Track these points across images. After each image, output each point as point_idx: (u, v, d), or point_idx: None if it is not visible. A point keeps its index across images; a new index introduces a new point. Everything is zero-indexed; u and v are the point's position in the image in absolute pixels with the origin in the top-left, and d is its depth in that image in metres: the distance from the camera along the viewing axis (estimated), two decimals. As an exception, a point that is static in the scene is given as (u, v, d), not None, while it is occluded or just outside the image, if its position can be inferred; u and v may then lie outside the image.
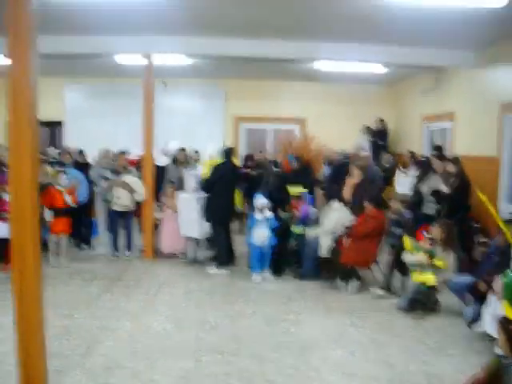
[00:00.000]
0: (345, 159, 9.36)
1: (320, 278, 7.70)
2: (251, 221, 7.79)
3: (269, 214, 7.67)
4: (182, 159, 9.43)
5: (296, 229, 7.93)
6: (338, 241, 7.42)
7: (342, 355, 5.11)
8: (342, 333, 5.71)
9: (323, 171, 9.85)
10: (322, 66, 10.08)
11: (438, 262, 6.20)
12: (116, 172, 8.76)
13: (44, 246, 8.13)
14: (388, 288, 7.02)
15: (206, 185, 8.03)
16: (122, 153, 9.05)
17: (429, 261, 6.23)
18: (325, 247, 7.47)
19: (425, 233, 6.48)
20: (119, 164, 8.87)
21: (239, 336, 5.54)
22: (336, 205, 7.66)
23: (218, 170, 8.06)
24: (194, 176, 8.43)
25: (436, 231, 6.41)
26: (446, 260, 6.29)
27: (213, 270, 8.09)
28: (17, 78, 3.79)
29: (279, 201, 8.17)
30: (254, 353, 5.11)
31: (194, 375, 4.59)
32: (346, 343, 5.42)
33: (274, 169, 9.61)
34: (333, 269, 7.66)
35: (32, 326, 4.02)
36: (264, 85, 13.13)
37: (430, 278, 6.22)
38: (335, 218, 7.55)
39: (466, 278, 6.05)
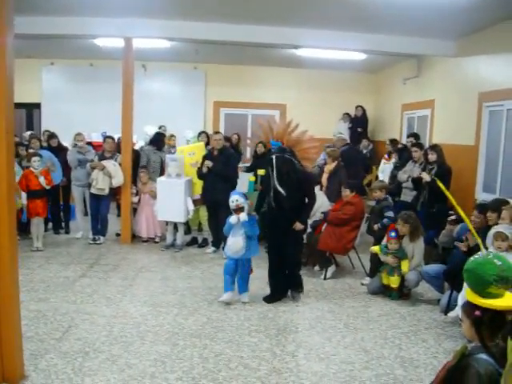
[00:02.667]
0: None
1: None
2: (227, 226, 6.16)
3: (244, 216, 5.99)
4: (160, 144, 9.34)
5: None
6: (315, 227, 7.46)
7: (318, 340, 5.15)
8: (318, 318, 5.75)
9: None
10: (303, 52, 10.05)
11: (403, 266, 6.32)
12: (103, 156, 8.70)
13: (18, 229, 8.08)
14: (373, 276, 7.04)
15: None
16: (109, 137, 8.98)
17: (396, 262, 6.35)
18: (303, 233, 7.51)
19: (392, 233, 6.51)
20: (106, 148, 8.80)
21: (216, 320, 5.56)
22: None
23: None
24: (175, 161, 8.36)
25: (402, 227, 6.46)
26: (416, 250, 6.41)
27: (210, 249, 8.34)
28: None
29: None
30: (230, 337, 5.13)
31: (170, 359, 4.60)
32: (322, 328, 5.46)
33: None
34: (310, 255, 7.71)
35: (6, 310, 4.00)
36: (244, 70, 13.09)
37: (394, 281, 6.39)
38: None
39: (439, 266, 6.13)
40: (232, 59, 12.30)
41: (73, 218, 9.54)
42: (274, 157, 5.91)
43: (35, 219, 8.13)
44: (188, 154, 8.63)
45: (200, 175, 8.16)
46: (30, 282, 6.56)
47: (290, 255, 6.22)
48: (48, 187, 8.18)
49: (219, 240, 8.27)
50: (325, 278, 7.21)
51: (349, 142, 10.17)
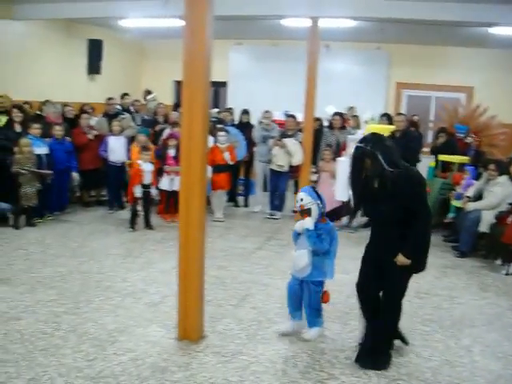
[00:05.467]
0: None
1: (476, 254, 7.37)
2: (293, 233, 4.68)
3: (308, 223, 4.42)
4: (338, 124, 9.38)
5: (456, 202, 7.61)
6: (500, 218, 7.02)
7: (495, 338, 4.87)
8: (497, 315, 5.43)
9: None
10: (497, 30, 9.37)
11: None
12: (285, 135, 8.99)
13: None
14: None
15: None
16: (291, 116, 9.25)
17: None
18: (486, 223, 7.11)
19: None
20: (288, 127, 9.08)
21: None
22: (502, 179, 7.20)
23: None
24: (355, 141, 8.32)
25: None
26: None
27: None
28: (192, 40, 3.98)
29: None
30: (402, 324, 5.02)
31: (340, 338, 4.66)
32: (502, 326, 5.15)
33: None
34: (492, 247, 7.29)
35: (193, 273, 4.32)
36: (430, 50, 12.50)
37: None
38: (500, 192, 7.12)
39: None
40: (417, 38, 11.81)
41: (252, 193, 9.97)
42: (353, 149, 4.22)
43: (218, 191, 8.62)
44: None
45: None
46: (211, 250, 6.95)
47: (386, 302, 4.24)
48: (232, 163, 8.63)
49: None
50: (507, 273, 6.78)
51: None
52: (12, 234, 7.56)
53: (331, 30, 10.16)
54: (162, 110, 10.32)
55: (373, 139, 4.05)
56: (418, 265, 4.08)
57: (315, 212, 4.42)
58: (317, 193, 4.52)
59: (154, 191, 8.10)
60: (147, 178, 7.97)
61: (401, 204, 3.89)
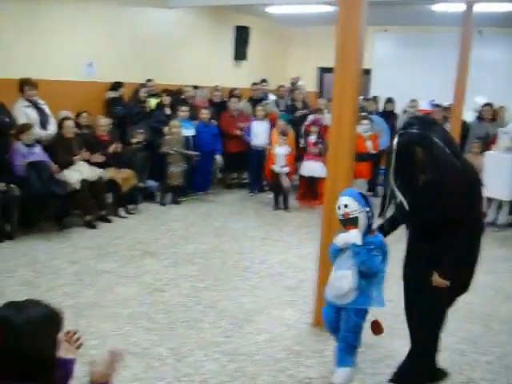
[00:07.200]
0: None
1: None
2: (331, 248, 3.68)
3: (355, 236, 3.42)
4: (489, 115, 8.87)
5: None
6: None
7: None
8: None
9: None
10: None
11: None
12: None
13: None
14: None
15: None
16: (438, 106, 8.95)
17: None
18: None
19: None
20: (436, 117, 8.80)
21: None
22: None
23: None
24: (507, 133, 7.84)
25: None
26: None
27: None
28: (345, 26, 3.95)
29: None
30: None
31: (482, 341, 4.44)
32: None
33: None
34: None
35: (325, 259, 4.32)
36: None
37: None
38: None
39: None
40: None
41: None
42: (397, 136, 3.18)
43: (358, 180, 8.52)
44: None
45: None
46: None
47: (414, 326, 3.53)
48: (374, 152, 8.50)
49: None
50: None
51: None
52: (158, 210, 8.03)
53: (485, 15, 9.61)
54: (299, 95, 10.38)
55: (423, 122, 3.15)
56: (458, 285, 3.27)
57: (363, 222, 3.45)
58: (365, 197, 3.54)
59: (284, 169, 8.28)
60: (279, 161, 8.22)
61: (444, 205, 3.03)
